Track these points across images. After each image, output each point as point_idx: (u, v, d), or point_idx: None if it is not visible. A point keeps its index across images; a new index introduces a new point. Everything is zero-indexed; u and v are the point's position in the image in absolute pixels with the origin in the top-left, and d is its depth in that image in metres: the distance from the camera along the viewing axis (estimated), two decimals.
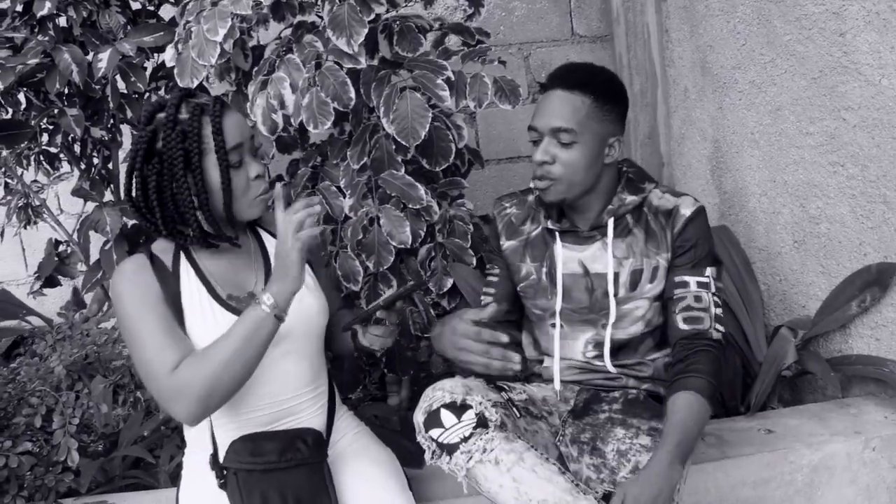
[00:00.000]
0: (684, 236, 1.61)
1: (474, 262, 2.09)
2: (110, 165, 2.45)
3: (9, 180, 2.43)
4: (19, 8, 2.12)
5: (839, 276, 2.10)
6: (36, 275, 2.52)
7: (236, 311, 1.46)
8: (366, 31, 1.83)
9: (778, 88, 2.26)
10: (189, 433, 1.55)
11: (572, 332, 1.68)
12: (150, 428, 2.05)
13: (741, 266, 2.45)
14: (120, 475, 2.02)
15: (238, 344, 1.35)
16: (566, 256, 1.67)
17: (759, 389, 2.10)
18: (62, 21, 2.17)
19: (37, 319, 2.85)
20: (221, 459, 1.47)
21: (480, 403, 1.48)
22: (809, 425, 1.95)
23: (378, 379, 2.50)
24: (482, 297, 1.82)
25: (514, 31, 3.30)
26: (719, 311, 1.61)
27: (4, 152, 2.26)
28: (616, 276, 1.63)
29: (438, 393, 1.51)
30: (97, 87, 2.18)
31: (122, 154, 2.44)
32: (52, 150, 2.42)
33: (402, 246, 1.98)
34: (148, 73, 2.25)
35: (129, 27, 2.20)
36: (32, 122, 2.18)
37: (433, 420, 1.48)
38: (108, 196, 2.42)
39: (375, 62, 2.04)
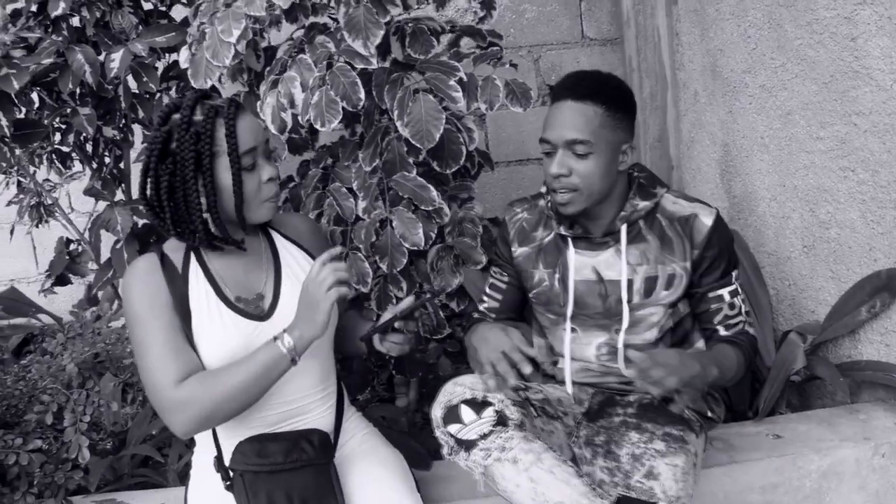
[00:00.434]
0: (710, 251, 1.62)
1: (484, 260, 2.09)
2: (122, 165, 2.46)
3: (21, 179, 2.44)
4: (34, 8, 2.13)
5: (849, 281, 2.09)
6: (47, 273, 2.53)
7: (244, 313, 1.47)
8: (382, 32, 1.84)
9: (788, 93, 2.26)
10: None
11: (585, 336, 1.68)
12: (159, 427, 2.05)
13: (750, 270, 2.45)
14: (129, 473, 2.03)
15: (249, 377, 1.37)
16: (579, 263, 1.66)
17: (768, 394, 2.10)
18: (76, 21, 2.19)
19: (47, 317, 2.87)
20: (227, 461, 1.47)
21: (501, 401, 1.48)
22: (818, 431, 1.94)
23: (386, 380, 2.50)
24: (485, 298, 1.83)
25: (525, 33, 3.31)
26: (747, 307, 1.68)
27: (18, 151, 2.27)
28: (630, 282, 1.63)
29: (459, 388, 1.51)
30: (109, 86, 2.19)
31: (133, 154, 2.45)
32: (65, 149, 2.43)
33: (415, 248, 1.98)
34: (159, 73, 2.26)
35: (141, 27, 2.22)
36: (45, 122, 2.19)
37: (452, 415, 1.48)
38: (120, 195, 2.43)
39: (387, 64, 2.04)
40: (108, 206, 2.23)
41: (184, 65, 1.97)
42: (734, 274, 1.65)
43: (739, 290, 1.66)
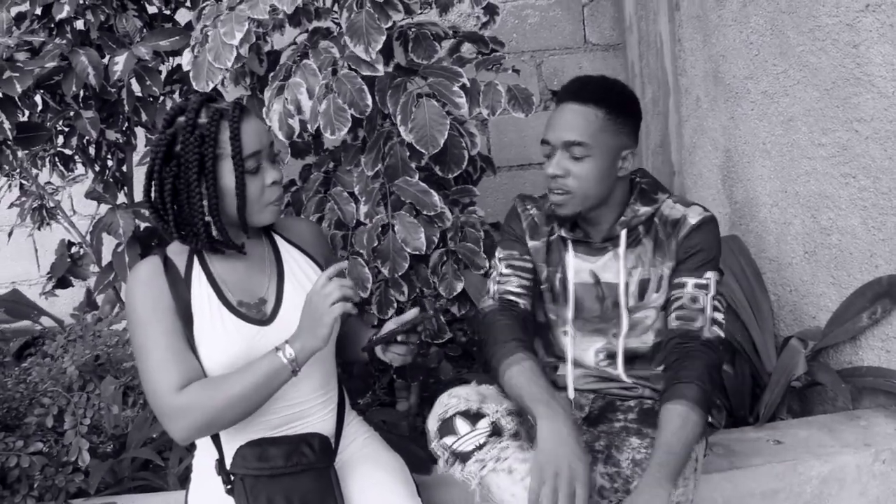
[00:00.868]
0: (688, 243, 1.59)
1: (487, 265, 2.09)
2: (124, 168, 2.46)
3: (24, 181, 2.45)
4: (38, 11, 2.14)
5: (850, 287, 2.10)
6: (48, 275, 2.53)
7: (246, 318, 1.47)
8: (384, 38, 1.84)
9: (790, 99, 2.26)
10: None
11: (583, 342, 1.67)
12: (160, 430, 2.05)
13: (751, 276, 2.45)
14: (129, 477, 2.03)
15: (250, 387, 1.37)
16: (578, 266, 1.66)
17: (769, 400, 2.09)
18: (80, 24, 2.19)
19: (48, 320, 2.87)
20: (228, 465, 1.47)
21: (496, 412, 1.48)
22: (819, 437, 1.94)
23: (387, 384, 2.50)
24: (510, 278, 1.67)
25: (527, 38, 3.31)
26: (719, 315, 1.56)
27: (21, 153, 2.28)
28: (626, 285, 1.62)
29: (453, 400, 1.50)
30: (113, 90, 2.19)
31: (136, 157, 2.46)
32: (67, 152, 2.44)
33: (417, 252, 1.98)
34: (163, 76, 2.27)
35: (145, 31, 2.22)
36: (48, 125, 2.20)
37: (447, 427, 1.48)
38: (122, 199, 2.44)
39: (390, 69, 2.04)
40: (110, 209, 2.23)
41: (186, 67, 1.98)
42: (710, 273, 1.58)
43: (713, 291, 1.57)
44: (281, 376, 1.38)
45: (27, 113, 2.22)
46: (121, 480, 2.01)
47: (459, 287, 2.10)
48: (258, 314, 1.49)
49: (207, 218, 1.44)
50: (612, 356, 1.65)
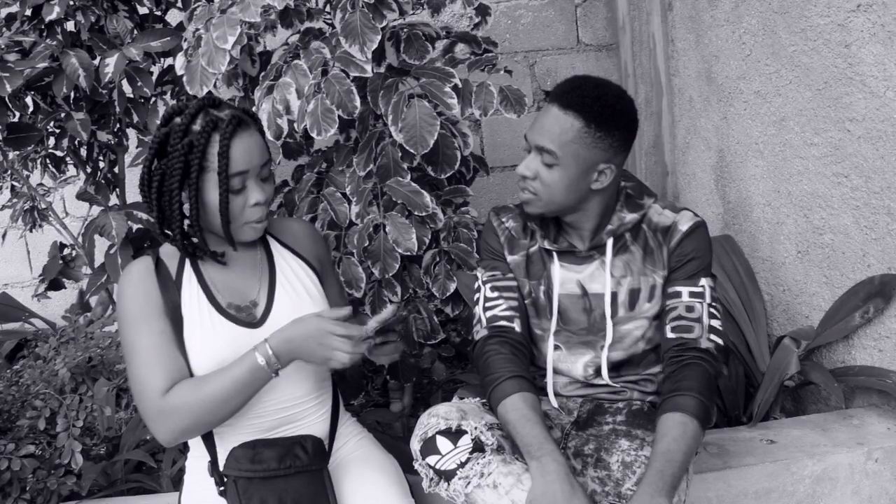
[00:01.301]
0: (681, 251, 1.57)
1: None
2: (116, 169, 2.46)
3: (15, 183, 2.44)
4: (28, 12, 2.13)
5: (842, 286, 2.10)
6: (40, 277, 2.53)
7: (236, 320, 1.46)
8: (378, 37, 1.84)
9: (783, 99, 2.26)
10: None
11: (570, 356, 1.64)
12: None
13: (744, 276, 2.45)
14: (122, 479, 2.02)
15: (231, 388, 1.37)
16: (564, 277, 1.62)
17: (762, 399, 2.10)
18: (70, 25, 2.18)
19: (40, 322, 2.86)
20: (221, 467, 1.47)
21: (476, 428, 1.47)
22: (812, 436, 1.94)
23: (380, 385, 2.50)
24: (498, 302, 1.64)
25: (520, 38, 3.31)
26: (716, 322, 1.55)
27: (11, 155, 2.27)
28: (614, 295, 1.59)
29: (433, 420, 1.49)
30: (104, 91, 2.19)
31: (128, 158, 2.45)
32: (59, 153, 2.43)
33: (408, 253, 1.98)
34: (154, 77, 2.26)
35: (136, 32, 2.22)
36: (39, 126, 2.19)
37: (429, 447, 1.47)
38: (114, 200, 2.43)
39: (382, 69, 2.04)
40: (103, 210, 2.22)
41: (179, 71, 1.97)
42: (705, 280, 1.58)
43: (709, 298, 1.56)
44: (259, 376, 1.38)
45: (18, 114, 2.21)
46: (114, 483, 2.01)
47: (452, 287, 2.10)
48: (248, 317, 1.48)
49: (186, 224, 1.43)
50: (598, 370, 1.63)
